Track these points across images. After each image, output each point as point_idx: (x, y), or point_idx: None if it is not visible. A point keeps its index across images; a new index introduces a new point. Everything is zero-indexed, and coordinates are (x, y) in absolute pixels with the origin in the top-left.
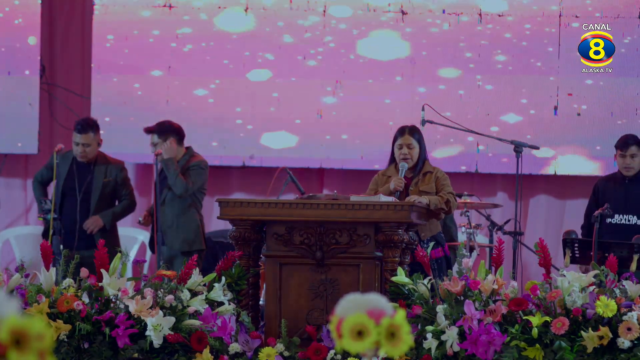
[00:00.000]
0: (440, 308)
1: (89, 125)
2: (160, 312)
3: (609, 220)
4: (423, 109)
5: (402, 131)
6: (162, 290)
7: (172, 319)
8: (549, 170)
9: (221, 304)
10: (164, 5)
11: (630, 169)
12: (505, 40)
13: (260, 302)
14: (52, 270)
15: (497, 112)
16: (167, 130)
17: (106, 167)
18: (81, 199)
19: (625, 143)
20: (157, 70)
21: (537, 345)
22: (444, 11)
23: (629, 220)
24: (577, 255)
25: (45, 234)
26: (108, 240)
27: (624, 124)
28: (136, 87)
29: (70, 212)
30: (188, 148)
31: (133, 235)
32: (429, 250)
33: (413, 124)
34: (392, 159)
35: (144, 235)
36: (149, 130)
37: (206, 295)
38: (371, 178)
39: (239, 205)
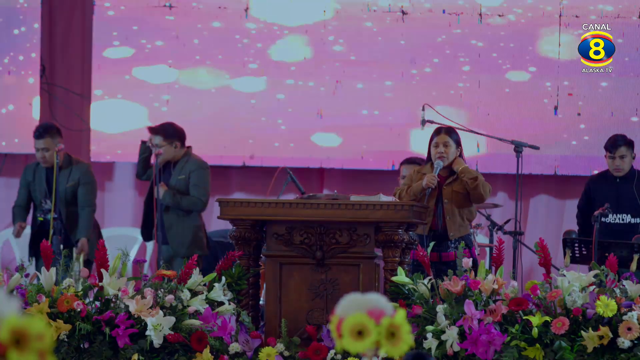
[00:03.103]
0: (440, 308)
1: (46, 131)
2: (161, 312)
3: (602, 219)
4: (423, 109)
5: (438, 131)
6: (162, 290)
7: (172, 319)
8: (549, 170)
9: (221, 303)
10: (164, 6)
11: (620, 170)
12: (505, 40)
13: (260, 302)
14: (52, 270)
15: (498, 112)
16: (172, 134)
17: (70, 170)
18: (50, 207)
19: (614, 144)
20: (157, 70)
21: (537, 345)
22: (444, 11)
23: (623, 220)
24: (577, 255)
25: (35, 235)
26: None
27: (624, 124)
28: (136, 86)
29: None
30: (187, 148)
31: (133, 235)
32: (428, 250)
33: (438, 125)
34: (429, 159)
35: None
36: (153, 131)
37: (206, 295)
38: (371, 178)
39: (239, 205)
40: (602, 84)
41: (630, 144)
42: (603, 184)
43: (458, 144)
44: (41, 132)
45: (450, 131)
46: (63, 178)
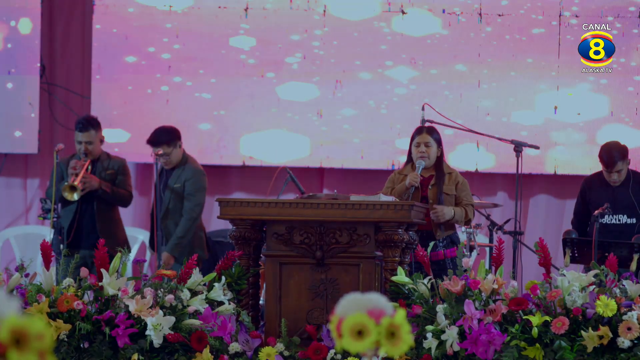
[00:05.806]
0: (440, 308)
1: (90, 123)
2: (160, 312)
3: (599, 220)
4: (423, 109)
5: (420, 130)
6: (162, 289)
7: (172, 319)
8: (549, 170)
9: (221, 303)
10: (164, 5)
11: (617, 182)
12: (505, 40)
13: (260, 302)
14: (52, 270)
15: (497, 112)
16: (171, 138)
17: (108, 162)
18: (86, 197)
19: (610, 161)
20: (157, 69)
21: (537, 344)
22: (444, 11)
23: (619, 220)
24: (577, 255)
25: (70, 228)
26: (113, 240)
27: (623, 124)
28: (136, 87)
29: (75, 210)
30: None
31: (133, 235)
32: (428, 250)
33: (419, 125)
34: (409, 159)
35: (144, 235)
36: (154, 144)
37: (206, 295)
38: (371, 178)
39: (239, 205)
40: (602, 83)
41: (624, 155)
42: (598, 185)
43: (439, 143)
44: (85, 124)
45: (431, 130)
46: (101, 169)
